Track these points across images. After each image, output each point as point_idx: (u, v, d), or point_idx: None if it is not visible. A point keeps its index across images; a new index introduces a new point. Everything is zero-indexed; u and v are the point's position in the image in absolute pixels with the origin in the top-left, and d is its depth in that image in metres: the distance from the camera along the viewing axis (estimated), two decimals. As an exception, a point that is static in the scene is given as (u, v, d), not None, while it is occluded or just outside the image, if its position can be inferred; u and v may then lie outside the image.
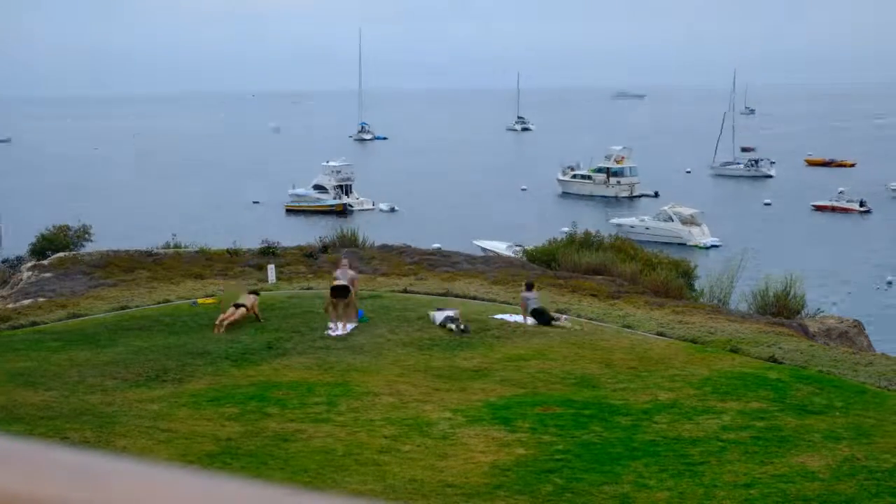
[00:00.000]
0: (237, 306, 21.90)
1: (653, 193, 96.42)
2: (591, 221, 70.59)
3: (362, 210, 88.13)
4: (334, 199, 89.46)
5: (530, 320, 22.08)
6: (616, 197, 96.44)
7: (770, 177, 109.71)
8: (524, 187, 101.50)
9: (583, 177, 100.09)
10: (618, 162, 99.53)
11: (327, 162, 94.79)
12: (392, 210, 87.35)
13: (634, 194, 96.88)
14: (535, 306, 22.27)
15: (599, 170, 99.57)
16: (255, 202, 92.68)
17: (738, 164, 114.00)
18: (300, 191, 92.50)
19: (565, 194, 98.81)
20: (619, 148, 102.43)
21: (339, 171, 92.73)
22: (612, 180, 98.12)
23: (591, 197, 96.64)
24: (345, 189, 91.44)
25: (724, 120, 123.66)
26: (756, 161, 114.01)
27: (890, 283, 57.20)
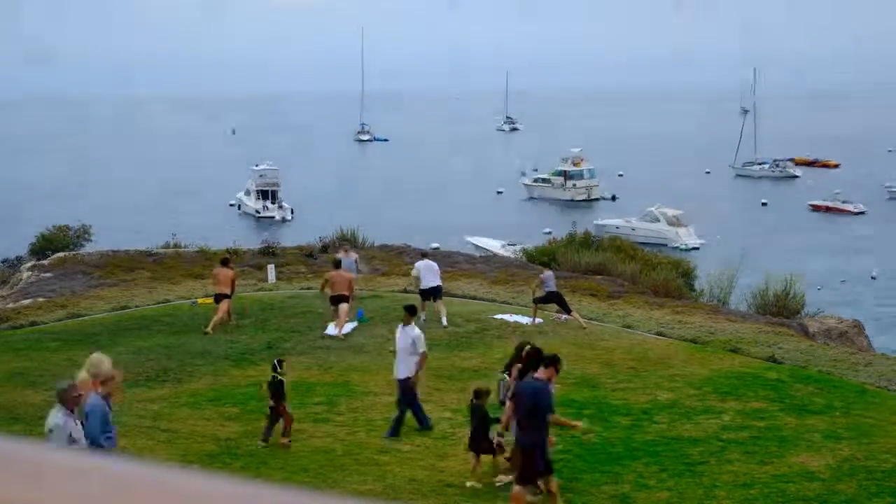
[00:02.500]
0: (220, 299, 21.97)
1: (610, 197, 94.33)
2: (543, 225, 71.02)
3: (274, 217, 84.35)
4: (258, 204, 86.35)
5: (536, 320, 22.02)
6: (573, 200, 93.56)
7: (796, 177, 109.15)
8: (501, 190, 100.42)
9: (543, 180, 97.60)
10: (575, 164, 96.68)
11: (256, 166, 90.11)
12: (283, 220, 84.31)
13: (592, 197, 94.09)
14: (552, 288, 22.06)
15: (558, 173, 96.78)
16: (231, 204, 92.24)
17: (764, 164, 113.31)
18: (239, 194, 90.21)
19: (531, 198, 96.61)
20: (577, 150, 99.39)
21: (262, 175, 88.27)
22: (569, 183, 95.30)
23: (550, 200, 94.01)
24: (269, 194, 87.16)
25: (744, 119, 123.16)
26: (781, 161, 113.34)
27: (874, 277, 57.69)
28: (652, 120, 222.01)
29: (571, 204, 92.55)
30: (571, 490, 12.53)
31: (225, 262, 22.56)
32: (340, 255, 24.45)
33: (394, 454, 13.78)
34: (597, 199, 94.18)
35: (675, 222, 71.74)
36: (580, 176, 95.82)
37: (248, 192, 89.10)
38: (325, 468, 13.22)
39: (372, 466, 13.32)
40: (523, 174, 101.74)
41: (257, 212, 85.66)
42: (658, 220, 71.86)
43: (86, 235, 34.99)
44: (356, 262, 24.23)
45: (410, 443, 14.28)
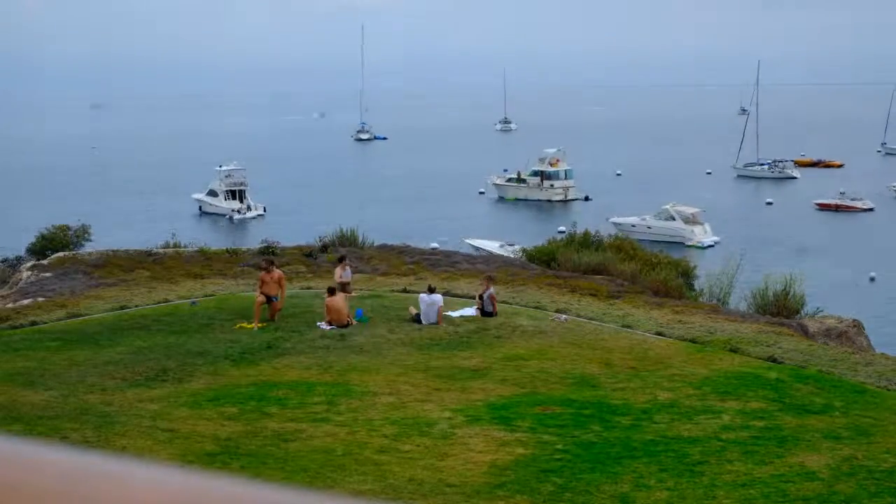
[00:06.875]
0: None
1: (583, 198, 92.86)
2: (519, 225, 70.69)
3: (246, 217, 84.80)
4: (227, 204, 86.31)
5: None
6: (549, 201, 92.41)
7: (794, 178, 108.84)
8: (482, 190, 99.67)
9: (518, 180, 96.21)
10: (552, 165, 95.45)
11: (220, 166, 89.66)
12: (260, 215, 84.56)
13: (569, 198, 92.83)
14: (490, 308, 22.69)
15: (534, 173, 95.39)
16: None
17: (763, 164, 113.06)
18: (198, 195, 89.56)
19: (502, 199, 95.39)
20: (553, 150, 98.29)
21: (229, 176, 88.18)
22: (546, 184, 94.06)
23: (525, 201, 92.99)
24: (237, 194, 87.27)
25: (747, 119, 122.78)
26: (780, 162, 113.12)
27: (872, 278, 57.55)
28: (652, 119, 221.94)
29: (547, 204, 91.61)
30: (571, 490, 12.53)
31: (270, 264, 23.05)
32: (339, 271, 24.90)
33: (394, 454, 13.78)
34: (573, 200, 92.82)
35: (690, 220, 71.26)
36: (557, 176, 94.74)
37: (212, 193, 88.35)
38: (325, 468, 13.22)
39: (372, 466, 13.32)
40: (505, 172, 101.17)
41: (233, 211, 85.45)
42: (673, 219, 71.28)
43: (85, 235, 35.00)
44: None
45: (410, 442, 14.28)
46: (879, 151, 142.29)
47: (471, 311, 22.80)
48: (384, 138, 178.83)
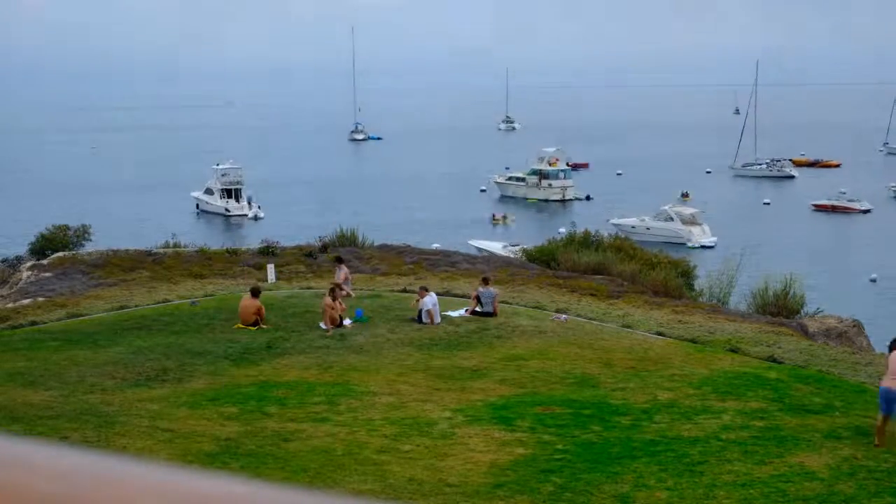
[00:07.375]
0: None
1: (584, 197, 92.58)
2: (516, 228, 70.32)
3: (240, 216, 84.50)
4: (223, 203, 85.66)
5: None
6: (547, 200, 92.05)
7: (793, 177, 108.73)
8: (484, 188, 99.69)
9: (518, 179, 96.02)
10: (551, 164, 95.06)
11: (217, 165, 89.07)
12: (256, 218, 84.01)
13: (567, 198, 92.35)
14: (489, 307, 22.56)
15: (533, 172, 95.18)
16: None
17: (761, 164, 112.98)
18: (196, 194, 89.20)
19: (504, 197, 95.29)
20: (552, 150, 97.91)
21: (225, 175, 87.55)
22: (544, 183, 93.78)
23: (524, 200, 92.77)
24: (233, 193, 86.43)
25: (745, 119, 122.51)
26: (778, 161, 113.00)
27: (874, 280, 57.55)
28: (652, 119, 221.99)
29: (544, 204, 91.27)
30: (571, 490, 12.53)
31: (255, 293, 22.11)
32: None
33: (394, 454, 13.78)
34: (571, 200, 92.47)
35: (689, 221, 71.29)
36: (555, 176, 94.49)
37: (209, 191, 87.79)
38: (325, 468, 13.22)
39: (372, 466, 13.32)
40: (506, 170, 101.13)
41: (227, 210, 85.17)
42: (672, 220, 71.31)
43: (86, 235, 34.98)
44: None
45: (410, 442, 14.28)
46: (881, 151, 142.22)
47: (462, 311, 22.74)
48: (378, 138, 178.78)
